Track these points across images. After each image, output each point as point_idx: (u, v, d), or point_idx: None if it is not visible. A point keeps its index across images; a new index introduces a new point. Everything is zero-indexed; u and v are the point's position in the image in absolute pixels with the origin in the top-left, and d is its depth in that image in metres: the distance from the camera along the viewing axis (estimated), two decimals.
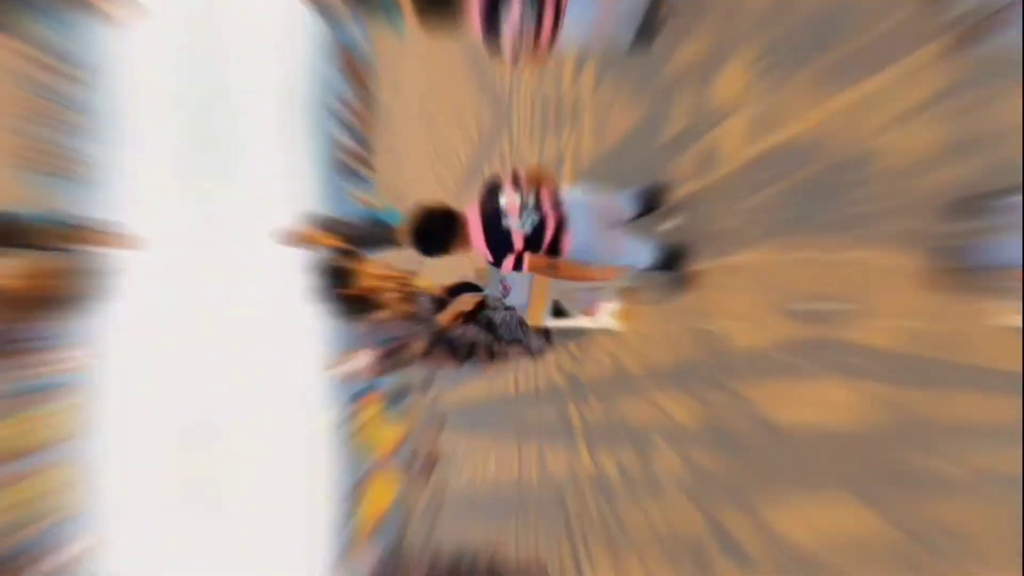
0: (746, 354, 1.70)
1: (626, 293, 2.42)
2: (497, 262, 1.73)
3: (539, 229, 1.70)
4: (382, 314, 2.47)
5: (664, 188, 1.97)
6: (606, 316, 2.51)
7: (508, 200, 1.71)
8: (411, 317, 2.49)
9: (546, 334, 2.91)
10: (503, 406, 4.45)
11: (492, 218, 1.70)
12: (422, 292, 2.79)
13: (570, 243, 1.72)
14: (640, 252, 1.89)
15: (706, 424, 1.86)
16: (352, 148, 24.98)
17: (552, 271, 1.76)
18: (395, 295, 2.64)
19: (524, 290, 2.40)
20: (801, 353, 1.46)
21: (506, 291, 2.45)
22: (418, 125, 8.37)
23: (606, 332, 2.58)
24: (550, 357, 3.24)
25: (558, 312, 2.65)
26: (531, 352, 2.86)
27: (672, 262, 1.91)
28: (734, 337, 1.75)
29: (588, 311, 2.57)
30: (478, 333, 2.57)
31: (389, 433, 12.13)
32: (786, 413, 1.53)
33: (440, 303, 2.71)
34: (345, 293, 2.39)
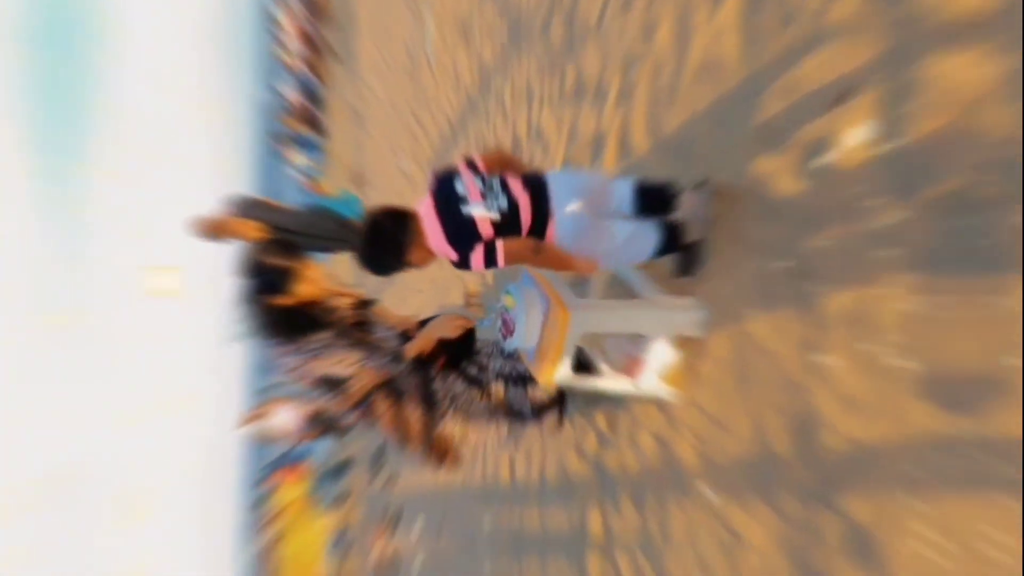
0: (863, 451, 1.57)
1: (688, 346, 2.31)
2: (463, 260, 1.89)
3: (512, 212, 1.90)
4: (324, 338, 2.34)
5: (675, 188, 2.15)
6: (655, 377, 2.39)
7: (466, 183, 1.90)
8: (366, 348, 2.40)
9: (561, 398, 2.79)
10: (489, 501, 4.34)
11: (448, 206, 1.88)
12: (383, 322, 2.69)
13: (555, 228, 1.93)
14: (641, 238, 2.11)
15: (790, 551, 1.72)
16: (298, 105, 25.39)
17: (537, 257, 1.93)
18: (346, 315, 2.51)
19: (534, 330, 2.28)
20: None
21: (507, 330, 2.32)
22: (391, 73, 8.53)
23: (654, 402, 2.46)
24: (565, 433, 3.14)
25: (582, 366, 2.52)
26: (536, 422, 2.75)
27: (682, 243, 2.15)
28: (842, 426, 1.63)
29: (629, 367, 2.44)
30: (460, 384, 2.51)
31: (316, 528, 11.88)
32: None
33: (406, 337, 2.60)
34: (277, 303, 2.24)
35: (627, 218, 2.18)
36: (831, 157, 1.73)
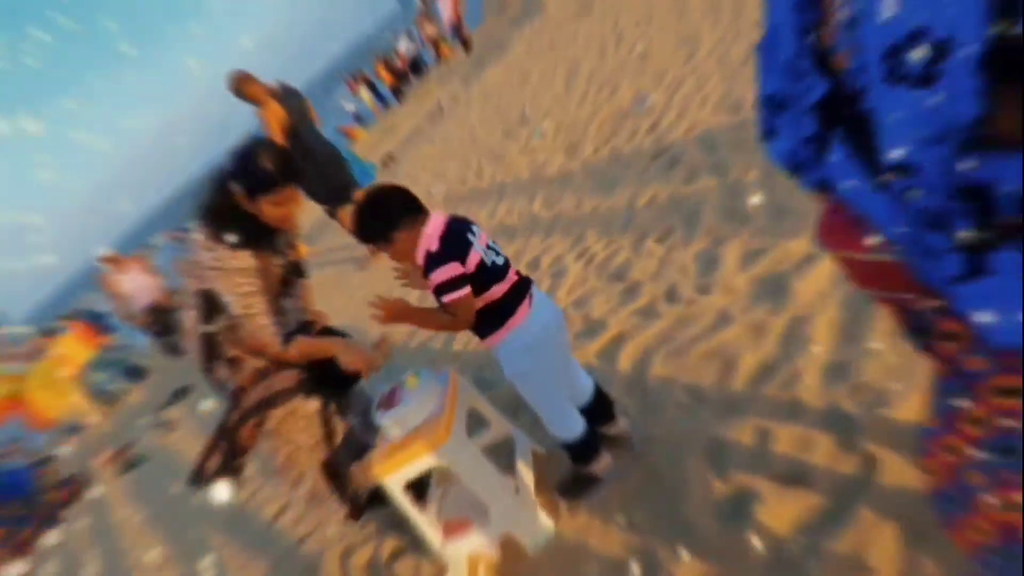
0: None
1: (513, 550, 2.32)
2: (430, 265, 2.02)
3: (496, 274, 2.08)
4: (250, 264, 2.37)
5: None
6: (464, 553, 2.39)
7: (479, 232, 2.14)
8: (271, 304, 2.42)
9: (375, 497, 2.77)
10: (216, 514, 4.18)
11: (459, 225, 2.09)
12: (301, 295, 2.72)
13: (515, 328, 2.12)
14: (568, 418, 2.29)
15: None
16: (401, 63, 26.24)
17: (462, 318, 2.08)
18: (280, 264, 2.53)
19: (409, 423, 2.29)
20: None
21: (388, 403, 2.33)
22: (493, 112, 8.83)
23: (444, 570, 2.44)
24: (349, 529, 3.08)
25: (417, 488, 2.51)
26: (338, 494, 2.72)
27: (586, 464, 2.31)
28: None
29: (452, 525, 2.44)
30: (312, 406, 2.54)
31: (60, 401, 11.21)
32: None
33: (306, 326, 2.63)
34: (242, 203, 2.29)
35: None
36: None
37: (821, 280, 2.45)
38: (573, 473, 2.39)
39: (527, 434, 2.69)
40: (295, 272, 2.66)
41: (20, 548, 7.13)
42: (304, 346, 2.47)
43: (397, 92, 27.14)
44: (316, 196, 6.33)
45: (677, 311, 2.88)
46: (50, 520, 7.34)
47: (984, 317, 0.79)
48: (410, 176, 9.41)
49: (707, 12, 6.08)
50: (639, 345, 2.87)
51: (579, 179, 4.91)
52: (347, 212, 6.53)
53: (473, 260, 2.03)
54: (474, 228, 2.11)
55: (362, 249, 7.20)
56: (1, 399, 13.92)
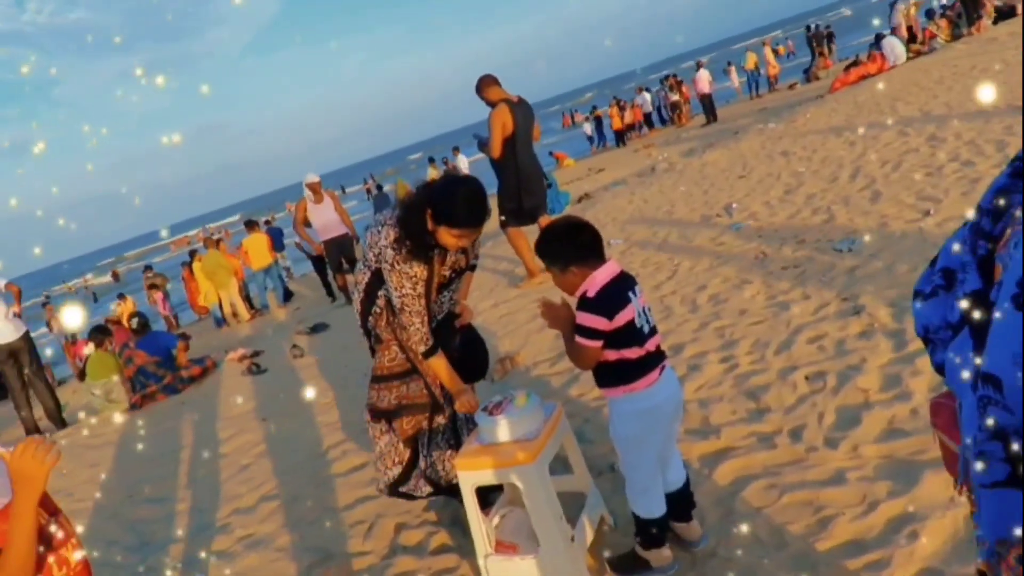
0: None
1: None
2: (588, 307, 2.21)
3: (644, 334, 2.27)
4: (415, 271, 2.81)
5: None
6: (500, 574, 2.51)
7: (641, 293, 2.33)
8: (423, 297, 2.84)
9: (449, 487, 2.97)
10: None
11: (625, 280, 2.27)
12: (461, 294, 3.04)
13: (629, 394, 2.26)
14: (649, 494, 2.37)
15: None
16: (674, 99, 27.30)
17: (583, 356, 2.28)
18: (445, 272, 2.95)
19: (503, 435, 2.47)
20: None
21: (497, 408, 2.53)
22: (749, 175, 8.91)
23: None
24: (408, 505, 3.28)
25: (484, 496, 2.68)
26: (419, 474, 2.98)
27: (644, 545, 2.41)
28: None
29: (501, 544, 2.59)
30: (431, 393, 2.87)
31: None
32: None
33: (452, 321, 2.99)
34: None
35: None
36: None
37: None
38: (631, 552, 2.46)
39: (603, 499, 2.78)
40: (462, 272, 2.97)
41: (142, 399, 8.06)
42: (437, 366, 2.85)
43: (620, 137, 27.79)
44: (502, 207, 6.70)
45: (795, 451, 2.86)
46: (173, 388, 8.23)
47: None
48: (597, 221, 9.65)
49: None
50: (743, 465, 2.88)
51: (754, 289, 4.91)
52: (519, 233, 6.87)
53: (625, 317, 2.19)
54: (637, 289, 2.27)
55: (522, 268, 7.51)
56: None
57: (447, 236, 2.66)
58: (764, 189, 7.98)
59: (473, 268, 3.09)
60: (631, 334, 2.21)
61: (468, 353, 3.05)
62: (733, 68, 29.97)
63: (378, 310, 2.91)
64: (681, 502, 2.47)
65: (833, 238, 5.41)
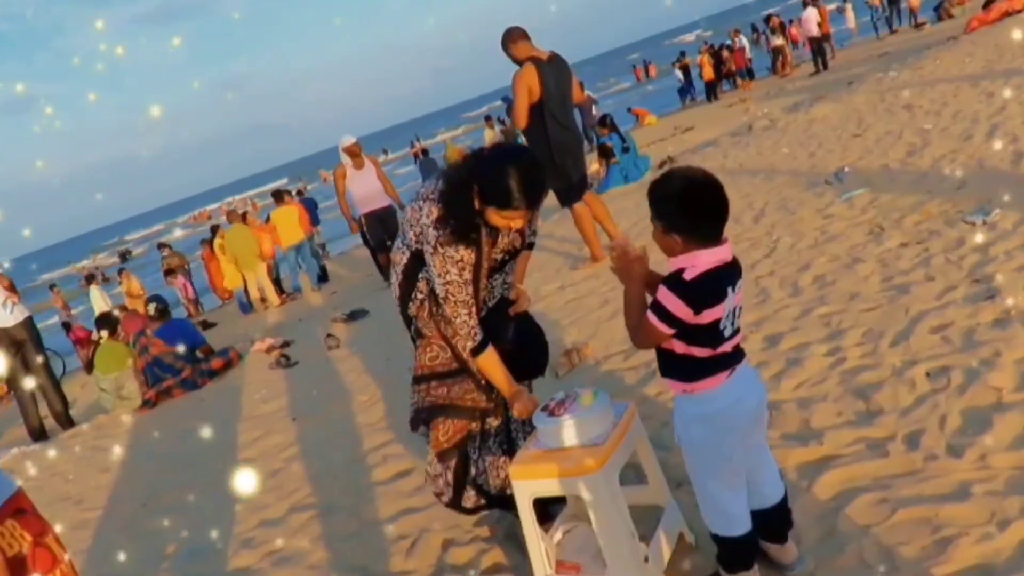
0: None
1: None
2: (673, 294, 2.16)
3: (725, 336, 2.24)
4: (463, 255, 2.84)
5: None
6: None
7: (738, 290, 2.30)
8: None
9: (504, 499, 3.05)
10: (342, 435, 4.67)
11: (723, 279, 2.21)
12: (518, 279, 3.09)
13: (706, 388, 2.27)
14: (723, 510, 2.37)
15: None
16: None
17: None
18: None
19: (569, 439, 2.53)
20: None
21: (559, 408, 2.59)
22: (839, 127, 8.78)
23: None
24: (457, 517, 3.38)
25: (544, 507, 2.74)
26: (472, 482, 3.05)
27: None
28: None
29: (563, 566, 2.66)
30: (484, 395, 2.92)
31: None
32: None
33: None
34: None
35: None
36: None
37: None
38: (714, 573, 2.50)
39: (683, 513, 2.82)
40: (517, 253, 3.01)
41: (157, 395, 8.41)
42: (487, 365, 2.88)
43: (712, 89, 27.44)
44: (551, 186, 6.71)
45: (911, 459, 2.85)
46: (192, 382, 8.56)
47: None
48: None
49: None
50: (848, 476, 2.88)
51: (867, 268, 4.85)
52: (584, 209, 6.86)
53: (713, 315, 2.16)
54: (738, 284, 2.24)
55: (584, 249, 7.53)
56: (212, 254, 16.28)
57: (496, 217, 2.68)
58: (882, 150, 7.81)
59: (531, 247, 3.13)
60: (710, 335, 2.20)
61: (524, 346, 3.07)
62: (849, 4, 29.19)
63: (420, 295, 2.96)
64: (775, 520, 2.47)
65: (964, 208, 5.29)
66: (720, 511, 2.37)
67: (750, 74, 27.43)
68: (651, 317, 2.19)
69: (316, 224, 17.87)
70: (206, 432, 6.60)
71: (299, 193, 21.11)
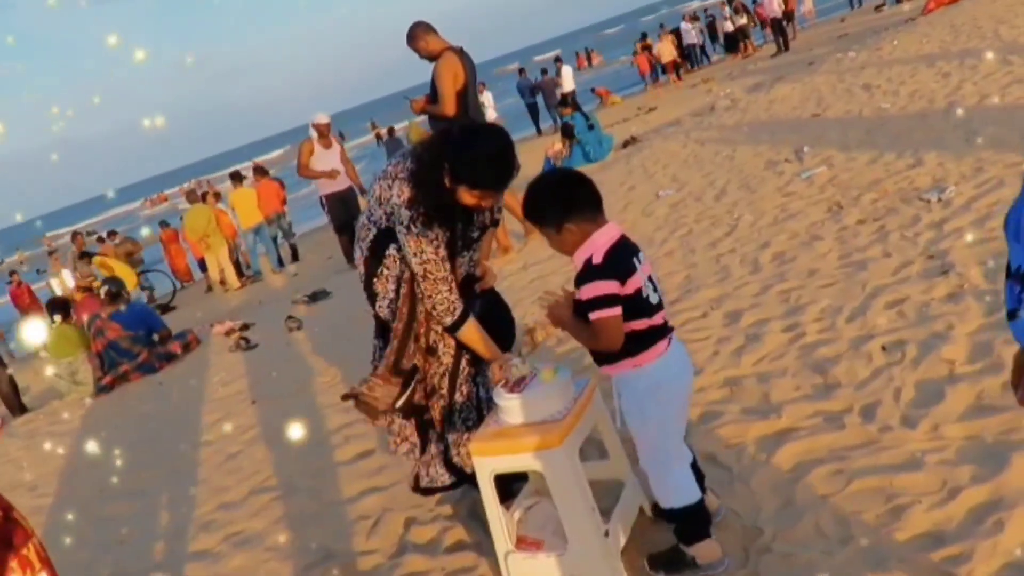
0: None
1: None
2: (587, 276, 2.29)
3: (651, 307, 2.34)
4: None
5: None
6: None
7: (645, 261, 2.40)
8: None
9: (464, 477, 3.05)
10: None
11: (628, 246, 2.35)
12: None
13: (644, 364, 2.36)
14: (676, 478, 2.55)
15: None
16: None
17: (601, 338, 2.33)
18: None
19: (532, 414, 2.53)
20: None
21: (517, 385, 2.59)
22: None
23: None
24: (415, 498, 3.37)
25: (505, 485, 2.76)
26: (425, 461, 3.04)
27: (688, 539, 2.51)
28: None
29: (525, 541, 2.67)
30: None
31: None
32: None
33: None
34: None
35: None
36: None
37: None
38: (674, 548, 2.53)
39: (642, 488, 2.85)
40: (486, 229, 3.01)
41: (113, 380, 8.28)
42: (469, 336, 2.88)
43: (676, 69, 27.56)
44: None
45: (867, 431, 2.90)
46: (149, 366, 8.44)
47: None
48: (645, 169, 9.65)
49: None
50: (806, 449, 2.93)
51: (825, 246, 4.91)
52: (515, 196, 6.92)
53: (634, 284, 2.27)
54: (641, 255, 2.34)
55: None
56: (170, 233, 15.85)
57: (468, 196, 2.67)
58: (841, 129, 7.90)
59: (496, 224, 3.13)
60: (640, 304, 2.28)
61: (491, 321, 3.05)
62: None
63: (387, 271, 2.92)
64: (696, 473, 2.56)
65: (920, 186, 5.38)
66: (676, 483, 2.43)
67: (690, 59, 27.84)
68: (596, 314, 2.25)
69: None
70: (164, 416, 6.53)
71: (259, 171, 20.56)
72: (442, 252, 2.77)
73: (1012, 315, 1.09)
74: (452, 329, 2.85)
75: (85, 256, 13.82)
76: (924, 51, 10.73)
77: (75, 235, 16.32)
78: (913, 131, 6.82)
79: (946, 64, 9.14)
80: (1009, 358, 2.98)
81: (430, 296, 2.79)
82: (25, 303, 16.23)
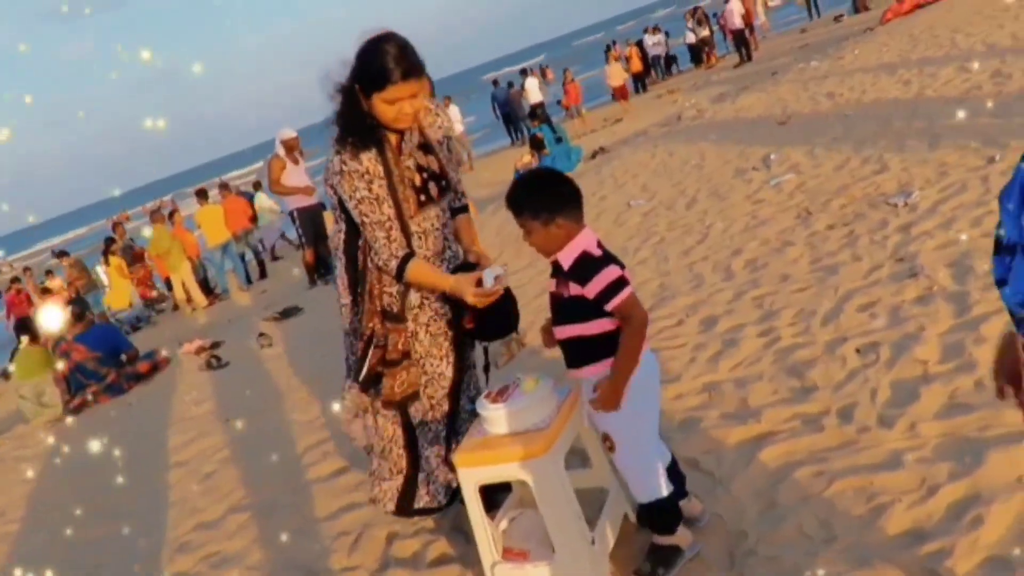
0: None
1: None
2: (579, 274, 2.36)
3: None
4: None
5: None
6: None
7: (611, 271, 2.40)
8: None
9: (453, 495, 3.03)
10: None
11: (608, 255, 2.40)
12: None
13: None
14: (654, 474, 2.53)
15: None
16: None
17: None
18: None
19: (518, 423, 2.54)
20: None
21: (500, 395, 2.59)
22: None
23: None
24: (388, 516, 3.36)
25: (489, 495, 2.76)
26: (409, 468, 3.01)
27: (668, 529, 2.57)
28: None
29: (510, 552, 2.67)
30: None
31: None
32: None
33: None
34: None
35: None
36: None
37: (1022, 463, 2.45)
38: (656, 546, 2.55)
39: (626, 496, 2.86)
40: (438, 184, 2.93)
41: (81, 403, 8.16)
42: (417, 276, 2.77)
43: (640, 81, 27.81)
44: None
45: (845, 432, 2.95)
46: (118, 387, 8.33)
47: None
48: (615, 179, 9.72)
49: None
50: (786, 451, 2.97)
51: (796, 251, 4.99)
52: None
53: (614, 278, 2.32)
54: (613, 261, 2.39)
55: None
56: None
57: (384, 107, 2.65)
58: (807, 137, 8.01)
59: (465, 209, 3.08)
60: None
61: (494, 304, 2.83)
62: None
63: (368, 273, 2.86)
64: (676, 475, 2.62)
65: (886, 191, 5.48)
66: (654, 476, 2.49)
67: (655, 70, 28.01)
68: (619, 298, 2.27)
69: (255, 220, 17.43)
70: (135, 437, 6.43)
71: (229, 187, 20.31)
72: (377, 190, 2.73)
73: (1000, 283, 1.15)
74: (399, 275, 2.76)
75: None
76: (884, 60, 10.93)
77: (25, 269, 16.03)
78: (877, 138, 6.94)
79: (906, 72, 9.32)
80: (980, 357, 3.07)
81: (371, 244, 2.76)
82: (21, 312, 15.83)
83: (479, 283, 2.69)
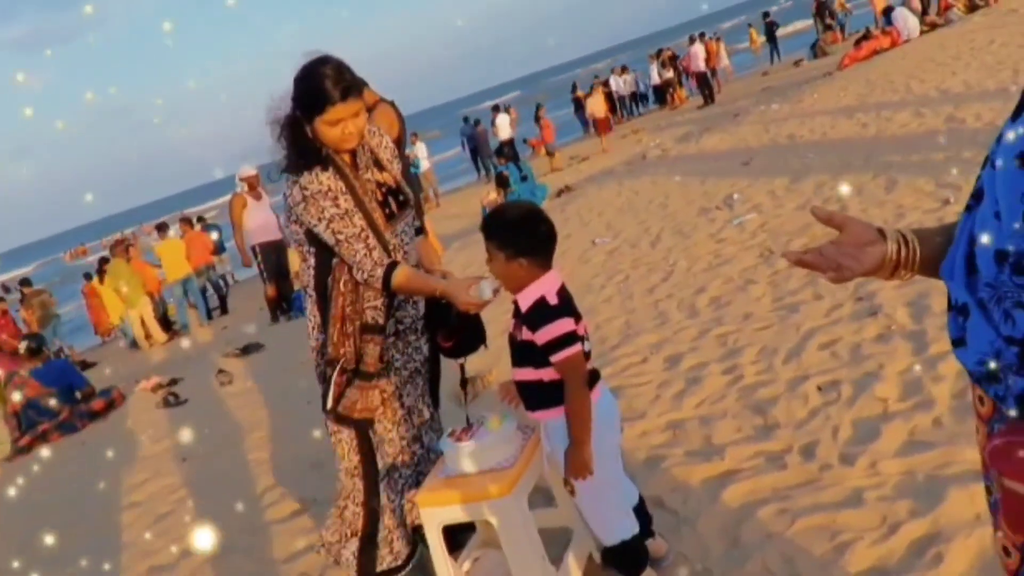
0: None
1: None
2: (535, 318, 2.33)
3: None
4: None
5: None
6: None
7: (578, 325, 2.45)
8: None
9: (415, 546, 2.99)
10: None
11: (568, 298, 2.43)
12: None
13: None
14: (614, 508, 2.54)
15: None
16: None
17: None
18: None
19: (483, 461, 2.52)
20: None
21: (465, 433, 2.58)
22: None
23: None
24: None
25: (453, 536, 2.73)
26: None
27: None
28: None
29: None
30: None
31: None
32: None
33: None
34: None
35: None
36: None
37: (981, 501, 2.48)
38: None
39: (591, 536, 2.85)
40: (396, 199, 2.91)
41: (32, 441, 7.95)
42: (404, 282, 2.71)
43: (606, 122, 28.11)
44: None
45: (808, 470, 2.97)
46: (71, 425, 8.13)
47: None
48: (580, 218, 9.81)
49: None
50: (750, 489, 2.98)
51: (759, 289, 5.06)
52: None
53: (582, 328, 2.37)
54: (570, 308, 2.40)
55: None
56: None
57: (328, 130, 2.64)
58: (768, 177, 8.17)
59: (421, 230, 3.11)
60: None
61: (466, 321, 2.82)
62: (722, 43, 30.48)
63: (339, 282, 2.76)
64: (642, 515, 2.61)
65: None
66: (618, 518, 2.49)
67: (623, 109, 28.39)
68: (564, 352, 2.28)
69: (222, 252, 17.24)
70: (87, 477, 6.27)
71: (200, 220, 20.15)
72: (344, 204, 2.69)
73: (956, 343, 1.13)
74: (387, 283, 2.68)
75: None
76: (843, 103, 11.23)
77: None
78: (837, 179, 7.10)
79: (863, 115, 9.58)
80: (938, 394, 3.13)
81: (351, 261, 2.69)
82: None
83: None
